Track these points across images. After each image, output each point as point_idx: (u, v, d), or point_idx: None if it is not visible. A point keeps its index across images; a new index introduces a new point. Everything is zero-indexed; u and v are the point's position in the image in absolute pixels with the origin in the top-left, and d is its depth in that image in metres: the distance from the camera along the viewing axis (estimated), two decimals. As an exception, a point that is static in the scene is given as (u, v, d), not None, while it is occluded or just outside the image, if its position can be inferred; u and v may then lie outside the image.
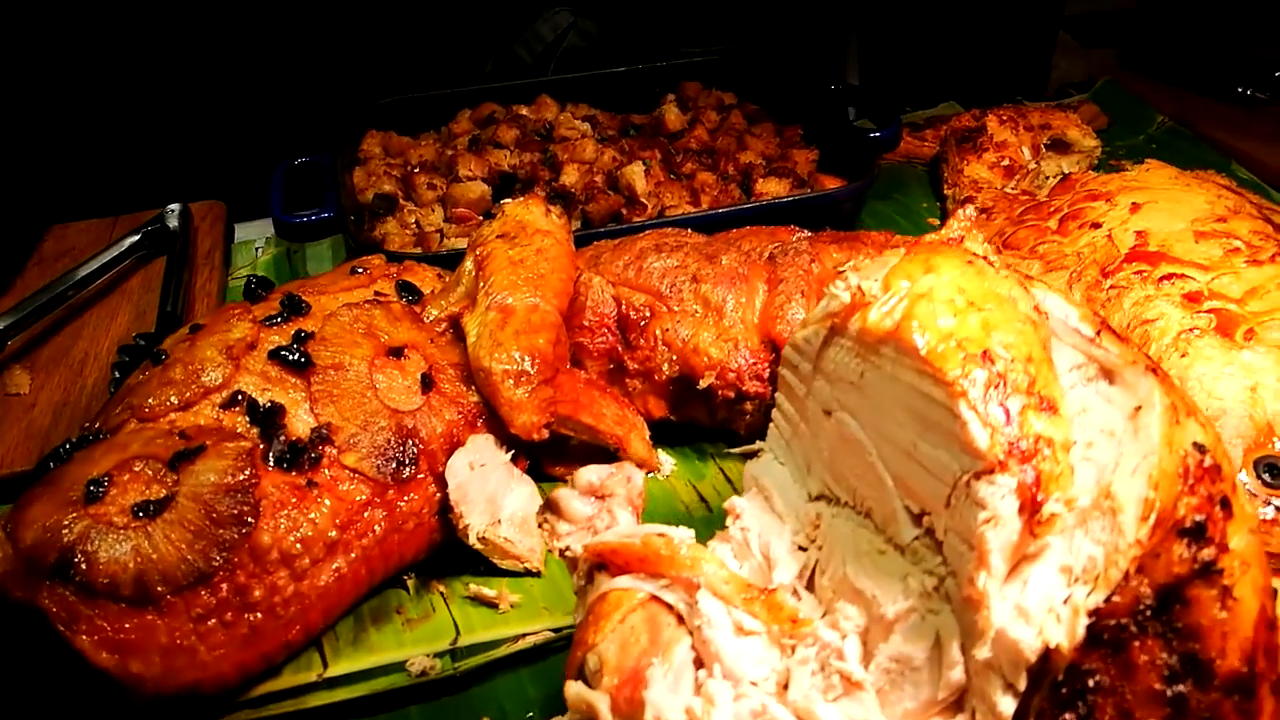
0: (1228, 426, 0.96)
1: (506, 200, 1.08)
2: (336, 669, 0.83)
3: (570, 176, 1.31)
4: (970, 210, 0.81)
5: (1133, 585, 0.57)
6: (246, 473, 0.77)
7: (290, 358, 0.86)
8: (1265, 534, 0.91)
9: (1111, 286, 1.10)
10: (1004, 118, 1.44)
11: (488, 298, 0.96)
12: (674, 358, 1.01)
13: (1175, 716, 0.56)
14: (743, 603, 0.62)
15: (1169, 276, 1.08)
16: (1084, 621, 0.53)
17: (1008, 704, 0.54)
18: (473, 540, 0.88)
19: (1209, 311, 1.04)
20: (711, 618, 0.61)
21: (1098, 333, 0.65)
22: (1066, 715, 0.56)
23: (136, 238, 1.31)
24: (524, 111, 1.49)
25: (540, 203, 1.06)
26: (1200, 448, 0.59)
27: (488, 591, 0.89)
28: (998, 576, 0.55)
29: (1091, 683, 0.56)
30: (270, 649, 0.79)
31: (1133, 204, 1.18)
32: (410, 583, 0.91)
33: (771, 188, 1.32)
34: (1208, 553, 0.57)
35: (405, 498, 0.86)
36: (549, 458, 1.00)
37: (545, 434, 0.92)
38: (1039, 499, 0.55)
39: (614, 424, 0.99)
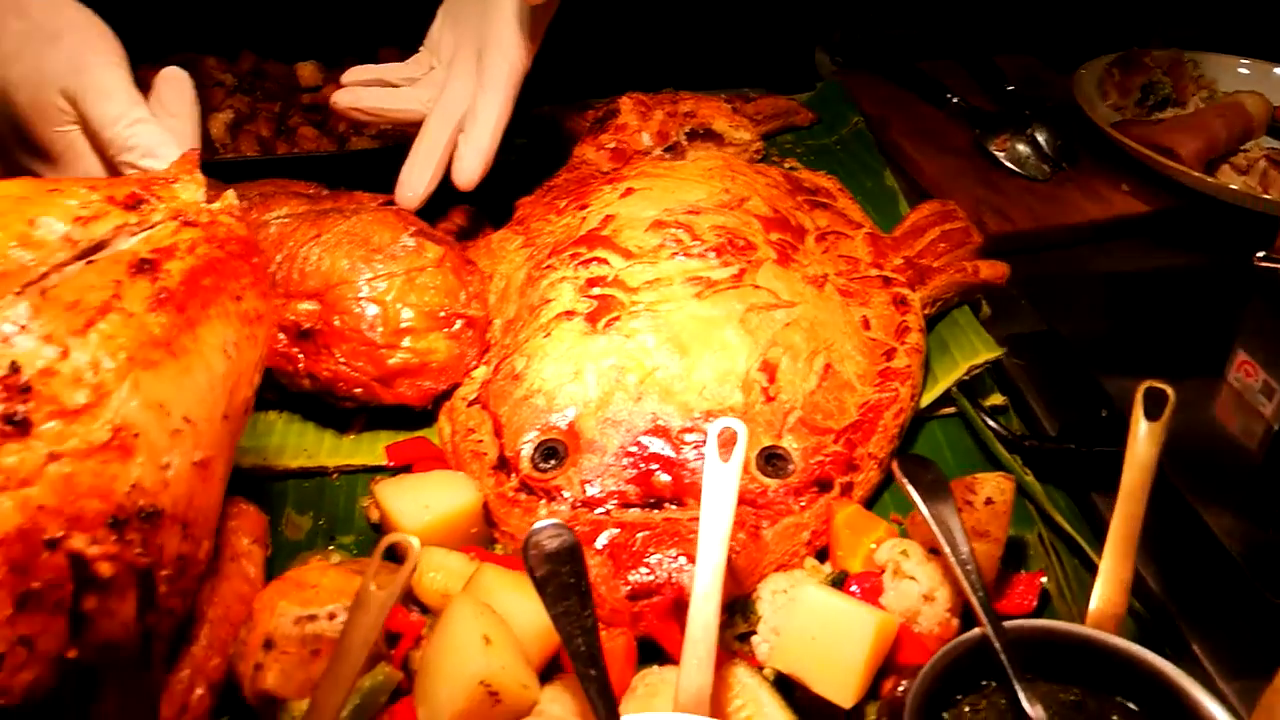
0: (533, 408, 0.95)
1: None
2: None
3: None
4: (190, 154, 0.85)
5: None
6: None
7: None
8: (513, 507, 0.90)
9: (547, 265, 1.09)
10: (637, 102, 1.41)
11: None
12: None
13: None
14: None
15: (590, 260, 1.06)
16: None
17: None
18: None
19: (597, 297, 1.02)
20: None
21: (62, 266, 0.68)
22: None
23: None
24: (212, 63, 1.56)
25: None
26: (15, 366, 0.62)
27: None
28: None
29: None
30: None
31: (627, 189, 1.16)
32: None
33: (358, 144, 1.37)
34: (-49, 460, 0.59)
35: None
36: None
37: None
38: None
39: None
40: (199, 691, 0.74)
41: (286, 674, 0.71)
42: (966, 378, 1.04)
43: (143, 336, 0.68)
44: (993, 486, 0.85)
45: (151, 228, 0.76)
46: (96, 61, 0.89)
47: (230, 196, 0.85)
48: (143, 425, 0.66)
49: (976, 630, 0.73)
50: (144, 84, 0.95)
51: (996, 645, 0.72)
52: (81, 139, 0.91)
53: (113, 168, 0.91)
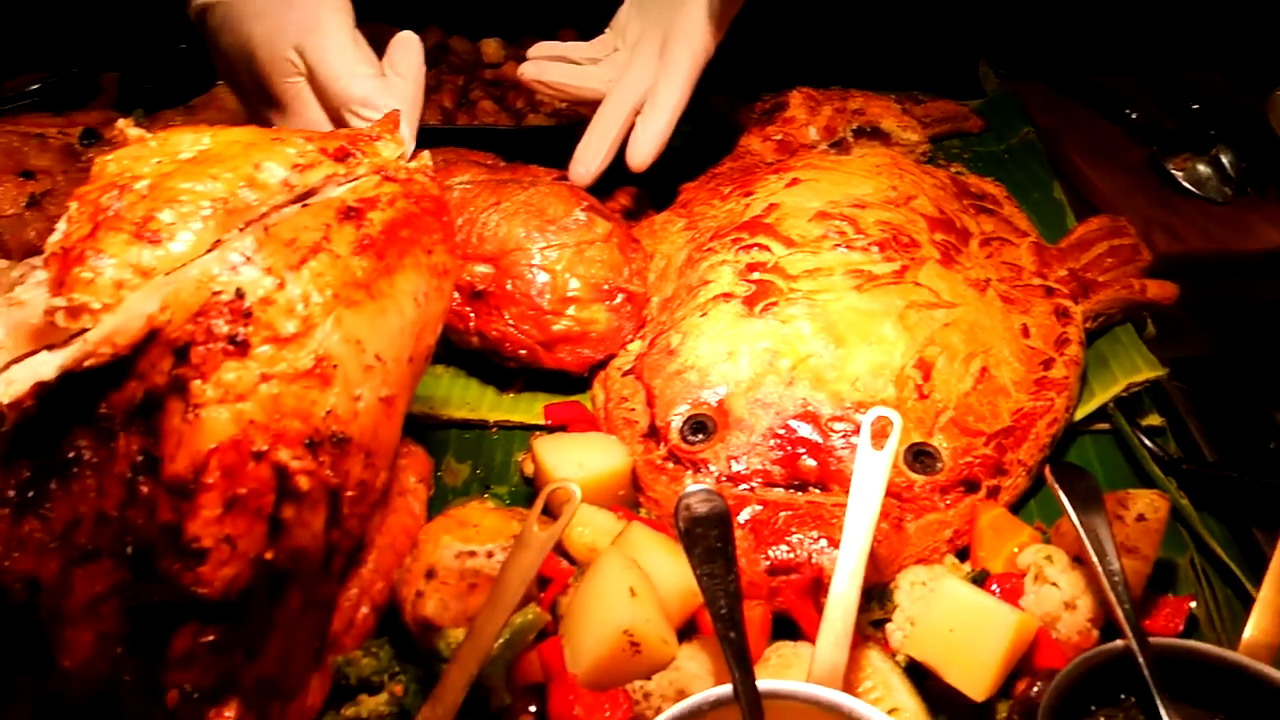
0: (685, 382, 0.98)
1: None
2: None
3: (364, 86, 1.47)
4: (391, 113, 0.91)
5: (129, 387, 0.67)
6: None
7: (-78, 156, 1.10)
8: (660, 474, 0.93)
9: (707, 248, 1.12)
10: (807, 96, 1.43)
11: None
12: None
13: (129, 498, 0.66)
14: None
15: (751, 246, 1.08)
16: (19, 391, 0.64)
17: (-27, 440, 0.67)
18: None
19: (756, 282, 1.04)
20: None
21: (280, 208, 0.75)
22: (54, 479, 0.68)
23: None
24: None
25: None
26: (240, 293, 0.68)
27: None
28: (4, 351, 0.67)
29: (80, 455, 0.67)
30: None
31: (792, 179, 1.17)
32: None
33: (534, 121, 1.42)
34: (185, 372, 0.66)
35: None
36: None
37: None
38: (59, 291, 0.67)
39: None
40: (364, 610, 0.80)
41: (444, 603, 0.76)
42: (1125, 395, 1.02)
43: (347, 277, 0.74)
44: (1146, 503, 0.84)
45: (356, 180, 0.82)
46: (327, 22, 0.97)
47: (425, 157, 0.91)
48: (341, 358, 0.72)
49: (1119, 642, 0.73)
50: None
51: (1140, 659, 0.71)
52: (307, 90, 0.99)
53: (336, 118, 0.98)
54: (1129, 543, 0.82)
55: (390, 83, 0.99)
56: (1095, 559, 0.76)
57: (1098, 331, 1.11)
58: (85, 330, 0.66)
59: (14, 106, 1.37)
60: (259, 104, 1.02)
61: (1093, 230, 1.20)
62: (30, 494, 0.67)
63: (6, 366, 0.67)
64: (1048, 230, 1.26)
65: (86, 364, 0.65)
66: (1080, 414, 1.02)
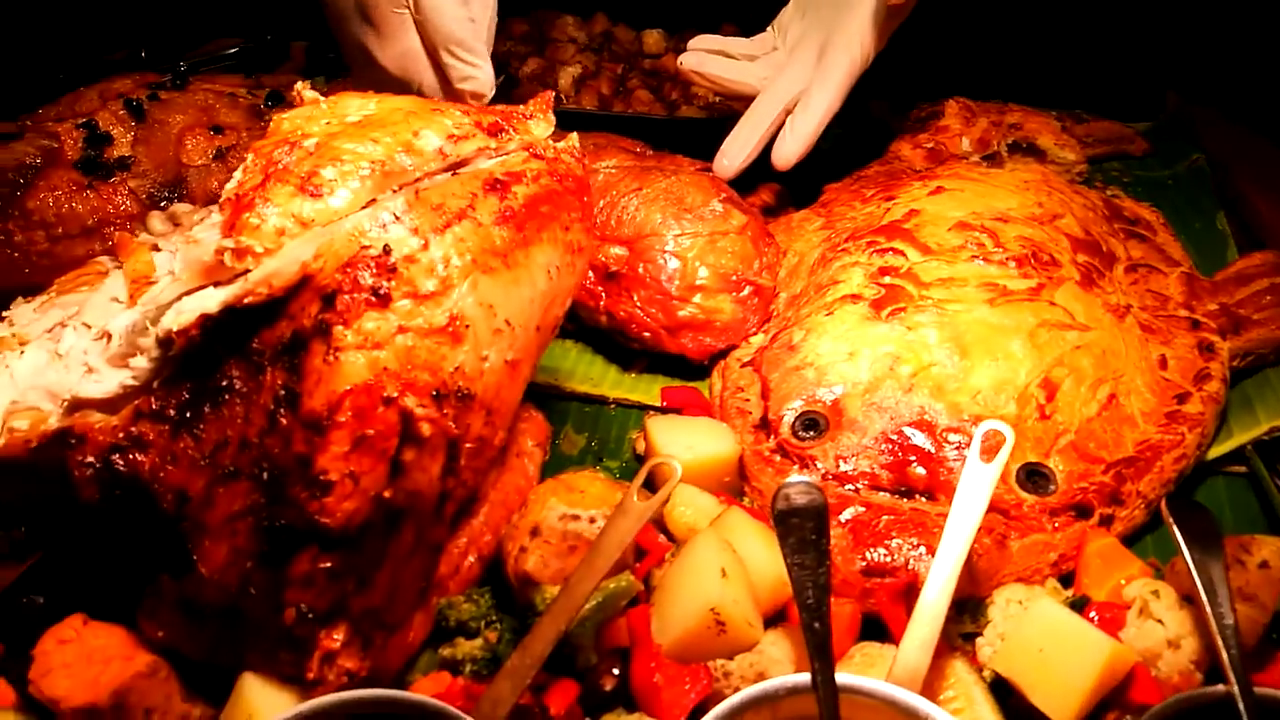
0: (802, 379, 0.99)
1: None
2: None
3: (528, 68, 1.54)
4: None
5: (280, 326, 0.73)
6: (39, 161, 1.13)
7: (133, 104, 1.21)
8: (767, 465, 0.95)
9: (841, 249, 1.12)
10: (963, 106, 1.41)
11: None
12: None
13: (269, 427, 0.72)
14: (131, 285, 0.86)
15: (886, 250, 1.08)
16: (187, 320, 0.71)
17: (140, 361, 0.74)
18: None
19: (886, 286, 1.04)
20: (107, 285, 0.87)
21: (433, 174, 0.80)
22: (208, 403, 0.74)
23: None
24: (569, 21, 1.71)
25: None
26: (387, 249, 0.74)
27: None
28: (180, 283, 0.75)
29: (232, 384, 0.74)
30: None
31: (937, 187, 1.17)
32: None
33: (686, 112, 1.45)
34: (329, 317, 0.72)
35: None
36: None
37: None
38: (229, 234, 0.74)
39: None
40: (470, 559, 0.85)
41: (545, 561, 0.80)
42: (1266, 438, 0.98)
43: (486, 245, 0.79)
44: (1271, 550, 0.80)
45: (506, 155, 0.87)
46: None
47: (573, 139, 0.95)
48: (473, 319, 0.77)
49: (1221, 687, 0.70)
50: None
51: (1241, 705, 0.68)
52: (410, 21, 1.05)
53: (431, 52, 1.06)
54: (1247, 589, 0.78)
55: (478, 29, 1.06)
56: (1204, 598, 0.73)
57: (1246, 370, 1.06)
58: (248, 270, 0.73)
59: (212, 68, 1.48)
60: (357, 25, 1.08)
61: (1254, 265, 1.14)
62: (187, 414, 0.74)
63: (179, 298, 0.74)
64: (1206, 262, 1.21)
65: (246, 301, 0.72)
66: (1214, 453, 0.98)
